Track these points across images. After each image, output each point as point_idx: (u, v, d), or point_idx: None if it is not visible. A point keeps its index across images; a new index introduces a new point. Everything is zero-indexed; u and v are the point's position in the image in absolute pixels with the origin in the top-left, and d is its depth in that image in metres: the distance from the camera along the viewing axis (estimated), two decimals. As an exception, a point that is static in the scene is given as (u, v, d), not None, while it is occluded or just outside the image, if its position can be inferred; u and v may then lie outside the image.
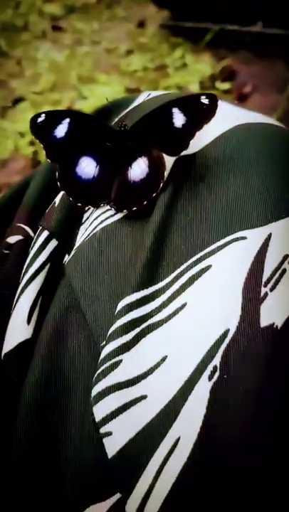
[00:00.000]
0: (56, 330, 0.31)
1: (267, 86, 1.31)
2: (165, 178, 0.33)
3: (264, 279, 0.29)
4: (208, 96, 0.34)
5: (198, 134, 0.33)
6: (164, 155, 0.34)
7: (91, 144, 0.36)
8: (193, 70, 1.37)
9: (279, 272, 0.30)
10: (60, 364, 0.30)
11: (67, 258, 0.34)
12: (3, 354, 0.32)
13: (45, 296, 0.33)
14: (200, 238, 0.31)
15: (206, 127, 0.34)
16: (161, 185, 0.33)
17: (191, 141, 0.33)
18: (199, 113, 0.34)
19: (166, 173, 0.34)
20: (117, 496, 0.26)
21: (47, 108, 1.24)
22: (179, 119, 0.34)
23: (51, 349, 0.30)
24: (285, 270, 0.30)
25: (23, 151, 1.12)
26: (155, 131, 0.35)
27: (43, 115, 0.36)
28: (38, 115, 0.36)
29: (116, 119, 0.42)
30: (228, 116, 0.38)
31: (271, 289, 0.29)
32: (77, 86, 1.32)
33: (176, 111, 0.34)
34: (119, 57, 1.44)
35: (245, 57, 1.38)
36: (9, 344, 0.32)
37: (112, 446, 0.26)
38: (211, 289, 0.29)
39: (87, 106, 1.24)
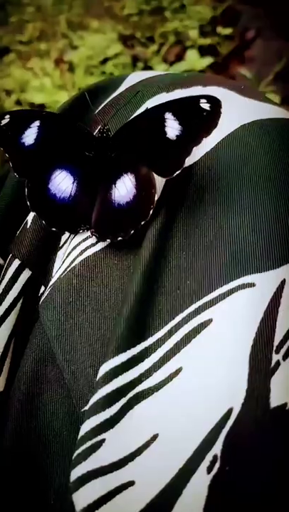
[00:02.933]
0: (29, 388, 0.27)
1: (272, 30, 1.21)
2: (156, 201, 0.28)
3: (276, 343, 0.24)
4: (209, 100, 0.27)
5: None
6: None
7: (67, 153, 0.30)
8: (193, 12, 1.26)
9: None
10: (35, 428, 0.26)
11: (43, 290, 0.30)
12: None
13: (18, 338, 0.29)
14: (198, 282, 0.26)
15: None
16: (152, 211, 0.28)
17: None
18: (198, 122, 0.28)
19: (157, 194, 0.28)
20: None
21: (36, 60, 1.16)
22: (172, 128, 0.28)
23: (24, 410, 0.27)
24: None
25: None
26: (144, 143, 0.29)
27: (7, 117, 0.30)
28: (1, 116, 0.30)
29: (101, 106, 0.36)
30: (231, 113, 0.32)
31: (284, 357, 0.24)
32: (67, 34, 1.22)
33: (169, 117, 0.28)
34: (112, -1, 1.33)
35: (248, -3, 1.27)
36: None
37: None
38: (211, 352, 0.24)
39: (79, 57, 1.15)
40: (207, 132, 0.28)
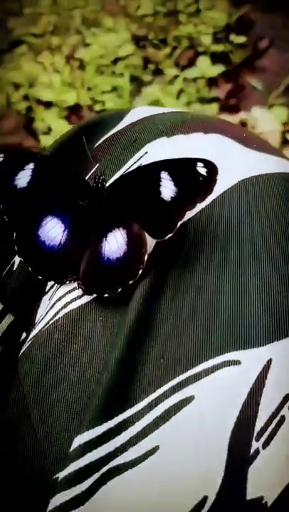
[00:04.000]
0: (4, 445, 0.26)
1: (286, 41, 1.21)
2: (145, 261, 0.27)
3: (257, 429, 0.24)
4: (206, 164, 0.27)
5: None
6: None
7: (59, 200, 0.30)
8: (207, 17, 1.25)
9: (276, 420, 0.24)
10: (6, 486, 0.25)
11: (24, 337, 0.29)
12: None
13: None
14: (184, 352, 0.25)
15: None
16: (141, 271, 0.27)
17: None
18: (193, 186, 0.27)
19: (148, 252, 0.28)
20: None
21: (47, 55, 1.15)
22: (167, 188, 0.27)
23: None
24: (283, 418, 0.24)
25: (16, 106, 1.05)
26: (138, 200, 0.28)
27: (1, 156, 0.29)
28: None
29: (103, 139, 0.36)
30: (230, 167, 0.31)
31: (264, 446, 0.23)
32: (81, 30, 1.22)
33: (165, 177, 0.28)
34: (128, -3, 1.32)
35: (264, 5, 1.26)
36: None
37: None
38: (190, 434, 0.23)
39: (90, 55, 1.14)
40: (202, 198, 0.27)
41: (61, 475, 0.23)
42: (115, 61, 1.14)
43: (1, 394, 0.27)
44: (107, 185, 0.30)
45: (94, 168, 0.34)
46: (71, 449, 0.24)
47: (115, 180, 0.31)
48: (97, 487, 0.23)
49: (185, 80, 1.11)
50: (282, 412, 0.24)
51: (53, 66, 1.12)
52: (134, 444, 0.24)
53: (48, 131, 1.02)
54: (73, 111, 1.06)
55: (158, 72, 1.15)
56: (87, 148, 0.34)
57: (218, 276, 0.27)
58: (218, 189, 0.29)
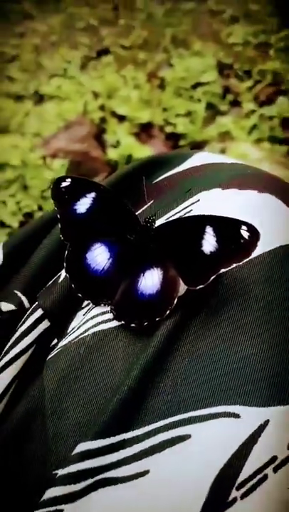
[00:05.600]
0: (16, 433, 0.29)
1: None
2: (174, 303, 0.29)
3: (239, 480, 0.25)
4: (249, 229, 0.28)
5: None
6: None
7: (111, 230, 0.32)
8: (297, 56, 1.24)
9: (259, 476, 0.25)
10: (11, 471, 0.28)
11: (55, 343, 0.32)
12: None
13: (20, 382, 0.31)
14: (190, 395, 0.27)
15: None
16: (168, 312, 0.29)
17: None
18: (233, 247, 0.29)
19: (180, 294, 0.30)
20: None
21: (130, 69, 1.18)
22: (209, 243, 0.29)
23: (5, 452, 0.29)
24: (266, 477, 0.25)
25: (90, 115, 1.08)
26: (180, 246, 0.30)
27: (69, 181, 0.33)
28: (63, 179, 0.33)
29: (162, 177, 0.39)
30: (275, 229, 0.32)
31: (242, 496, 0.25)
32: (169, 48, 1.23)
33: (209, 231, 0.29)
34: (222, 22, 1.32)
35: None
36: None
37: None
38: (178, 469, 0.25)
39: (172, 75, 1.16)
40: (239, 260, 0.29)
41: (60, 472, 0.26)
42: (195, 86, 1.14)
43: (24, 388, 0.30)
44: (156, 225, 0.32)
45: (148, 204, 0.37)
46: (73, 452, 0.26)
47: (164, 223, 0.33)
48: (88, 491, 0.25)
49: (260, 117, 1.10)
50: (266, 471, 0.25)
51: (134, 81, 1.14)
52: (128, 464, 0.26)
53: (116, 144, 1.04)
54: (144, 129, 1.07)
55: (235, 103, 1.15)
56: (147, 182, 0.36)
57: (234, 334, 0.29)
58: (257, 250, 0.30)
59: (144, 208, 0.37)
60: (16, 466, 0.28)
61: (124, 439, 0.27)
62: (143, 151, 1.00)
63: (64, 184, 0.33)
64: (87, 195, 0.33)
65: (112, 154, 1.01)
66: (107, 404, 0.27)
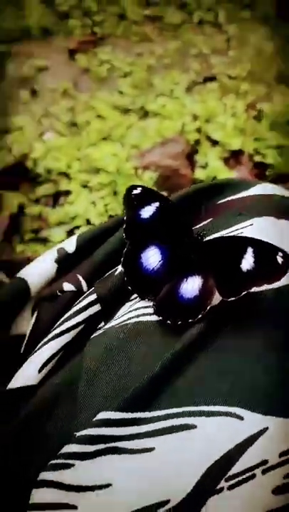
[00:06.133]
0: (52, 397, 0.33)
1: None
2: (207, 309, 0.33)
3: (230, 473, 0.28)
4: (284, 256, 0.32)
5: None
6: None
7: (166, 237, 0.37)
8: None
9: (248, 474, 0.28)
10: (40, 430, 0.32)
11: (101, 325, 0.36)
12: (7, 388, 0.35)
13: (66, 353, 0.36)
14: (204, 391, 0.31)
15: None
16: (200, 316, 0.33)
17: None
18: (267, 269, 0.32)
19: (214, 303, 0.33)
20: None
21: (231, 96, 1.25)
22: (247, 262, 0.33)
23: (38, 413, 0.33)
24: (254, 476, 0.28)
25: (186, 135, 1.16)
26: (222, 260, 0.34)
27: (140, 189, 0.38)
28: (135, 187, 0.38)
29: (223, 200, 0.43)
30: None
31: (229, 488, 0.28)
32: (273, 83, 1.29)
33: (250, 252, 0.33)
34: None
35: None
36: (15, 382, 0.35)
37: None
38: (181, 451, 0.29)
39: (271, 109, 1.21)
40: (269, 282, 0.32)
41: (79, 433, 0.30)
42: (290, 122, 1.19)
43: (67, 359, 0.35)
44: (205, 239, 0.37)
45: (206, 222, 0.41)
46: (94, 419, 0.30)
47: (212, 239, 0.37)
48: (99, 454, 0.29)
49: None
50: (255, 471, 0.28)
51: (232, 109, 1.21)
52: (138, 439, 0.30)
53: (205, 165, 1.11)
54: (234, 155, 1.14)
55: None
56: (208, 203, 0.42)
57: (252, 350, 0.32)
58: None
59: (201, 224, 0.41)
60: (44, 425, 0.32)
61: (140, 418, 0.30)
62: (228, 176, 1.07)
63: (135, 192, 0.38)
64: (152, 204, 0.38)
65: (200, 174, 1.09)
66: (133, 383, 0.31)
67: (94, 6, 1.39)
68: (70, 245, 0.43)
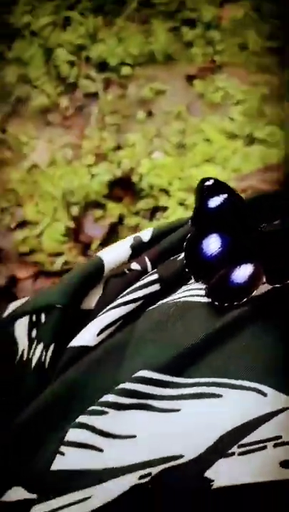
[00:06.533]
0: (102, 355, 0.37)
1: None
2: (252, 295, 0.35)
3: (242, 441, 0.30)
4: None
5: None
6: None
7: (229, 226, 0.39)
8: None
9: (259, 445, 0.30)
10: (86, 382, 0.36)
11: (159, 303, 0.39)
12: (68, 346, 0.38)
13: (124, 323, 0.39)
14: (236, 367, 0.32)
15: None
16: (245, 299, 0.35)
17: None
18: None
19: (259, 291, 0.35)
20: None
21: None
22: None
23: (86, 369, 0.36)
24: (265, 447, 0.30)
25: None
26: (275, 251, 0.36)
27: (212, 181, 0.40)
28: (208, 179, 0.40)
29: None
30: None
31: (239, 454, 0.30)
32: None
33: None
34: None
35: None
36: (75, 342, 0.38)
37: (60, 465, 0.32)
38: (204, 415, 0.31)
39: None
40: None
41: (119, 386, 0.33)
42: None
43: (124, 325, 0.38)
44: (266, 231, 0.38)
45: (277, 222, 0.42)
46: (135, 375, 0.33)
47: (271, 231, 0.38)
48: (130, 407, 0.32)
49: None
50: (267, 444, 0.30)
51: None
52: (168, 400, 0.32)
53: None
54: None
55: None
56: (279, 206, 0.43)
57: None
58: None
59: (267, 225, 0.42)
60: (90, 379, 0.36)
61: (174, 382, 0.32)
62: None
63: (207, 183, 0.39)
64: (221, 195, 0.39)
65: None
66: (174, 350, 0.34)
67: (217, 35, 1.46)
68: (146, 235, 0.45)
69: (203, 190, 0.40)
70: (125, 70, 1.38)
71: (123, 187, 1.20)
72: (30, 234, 1.21)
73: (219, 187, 0.40)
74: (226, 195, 0.39)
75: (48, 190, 1.20)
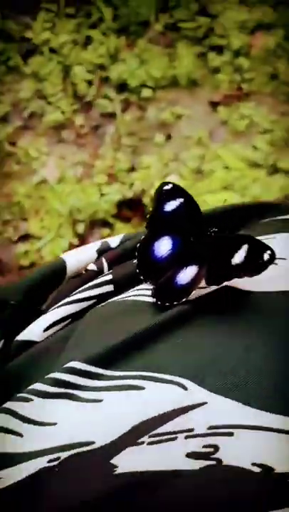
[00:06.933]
0: (43, 349, 0.37)
1: None
2: (189, 296, 0.35)
3: (155, 432, 0.30)
4: (271, 254, 0.33)
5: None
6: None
7: (181, 229, 0.39)
8: None
9: (171, 436, 0.30)
10: (25, 373, 0.36)
11: (108, 301, 0.40)
12: (15, 339, 0.39)
13: (73, 320, 0.39)
14: (163, 361, 0.32)
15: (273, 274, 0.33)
16: (184, 300, 0.35)
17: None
18: (252, 264, 0.33)
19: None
20: None
21: None
22: (239, 257, 0.34)
23: (26, 361, 0.37)
24: (175, 438, 0.30)
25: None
26: (219, 254, 0.36)
27: (170, 186, 0.40)
28: (167, 184, 0.40)
29: (266, 220, 0.44)
30: None
31: (149, 443, 0.30)
32: None
33: (244, 248, 0.34)
34: None
35: None
36: (22, 336, 0.39)
37: None
38: (122, 405, 0.31)
39: None
40: (249, 275, 0.33)
41: (49, 376, 0.33)
42: None
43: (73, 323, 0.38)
44: (214, 236, 0.38)
45: (242, 231, 0.42)
46: (64, 366, 0.33)
47: (220, 235, 0.38)
48: (55, 396, 0.32)
49: None
50: (178, 435, 0.30)
51: None
52: (93, 391, 0.32)
53: None
54: None
55: None
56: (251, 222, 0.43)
57: (220, 336, 0.33)
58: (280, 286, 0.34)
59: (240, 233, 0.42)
60: (27, 370, 0.36)
61: (102, 374, 0.32)
62: None
63: (165, 187, 0.40)
64: (177, 199, 0.39)
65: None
66: (109, 344, 0.33)
67: (246, 63, 1.40)
68: (115, 241, 0.46)
69: (161, 195, 0.40)
70: (146, 92, 1.34)
71: (133, 208, 1.14)
72: (32, 248, 1.18)
73: (177, 191, 0.40)
74: (182, 200, 0.40)
75: (54, 206, 1.15)
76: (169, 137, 1.31)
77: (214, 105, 1.36)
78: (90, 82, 1.33)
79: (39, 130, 1.28)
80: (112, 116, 1.32)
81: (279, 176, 1.21)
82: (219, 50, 1.42)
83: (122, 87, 1.34)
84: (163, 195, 0.40)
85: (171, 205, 0.40)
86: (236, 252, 0.34)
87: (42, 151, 1.25)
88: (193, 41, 1.41)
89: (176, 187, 0.40)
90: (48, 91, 1.30)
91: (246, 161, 1.25)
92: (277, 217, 0.43)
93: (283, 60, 1.41)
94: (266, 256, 0.33)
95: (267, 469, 0.29)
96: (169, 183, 0.40)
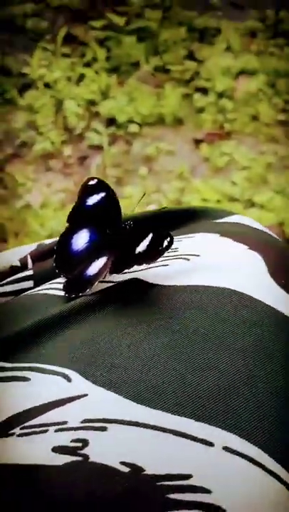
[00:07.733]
0: None
1: None
2: (93, 286, 0.35)
3: (29, 423, 0.29)
4: (169, 241, 0.33)
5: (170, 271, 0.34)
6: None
7: (100, 225, 0.39)
8: None
9: (43, 428, 0.28)
10: None
11: (21, 295, 0.39)
12: None
13: None
14: (55, 353, 0.32)
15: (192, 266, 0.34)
16: (88, 291, 0.35)
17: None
18: (152, 251, 0.33)
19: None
20: None
21: None
22: (143, 245, 0.34)
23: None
24: (46, 431, 0.28)
25: (286, 229, 1.14)
26: (127, 245, 0.35)
27: (95, 181, 0.40)
28: (92, 179, 0.40)
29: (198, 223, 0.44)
30: (226, 272, 0.35)
31: (19, 435, 0.29)
32: None
33: (149, 237, 0.34)
34: None
35: None
36: None
37: None
38: (5, 396, 0.30)
39: None
40: (148, 262, 0.33)
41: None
42: None
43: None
44: (127, 228, 0.38)
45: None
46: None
47: (134, 227, 0.38)
48: None
49: None
50: (49, 428, 0.28)
51: None
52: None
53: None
54: None
55: None
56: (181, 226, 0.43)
57: (120, 328, 0.32)
58: (211, 281, 0.34)
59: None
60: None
61: (2, 366, 0.31)
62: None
63: (90, 182, 0.40)
64: (99, 194, 0.39)
65: None
66: (12, 334, 0.33)
67: (229, 105, 1.49)
68: (50, 241, 0.44)
69: (85, 189, 0.40)
70: (133, 128, 1.42)
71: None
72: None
73: (100, 186, 0.40)
74: (103, 194, 0.40)
75: (35, 229, 1.20)
76: (151, 171, 1.38)
77: (197, 142, 1.44)
78: (80, 116, 1.41)
79: (28, 158, 1.35)
80: (99, 148, 1.40)
81: (255, 209, 1.27)
82: (204, 91, 1.51)
83: (110, 121, 1.42)
84: (87, 189, 0.40)
85: (93, 200, 0.39)
86: (141, 240, 0.34)
87: (29, 178, 1.32)
88: (181, 83, 1.50)
89: (100, 182, 0.40)
90: (40, 122, 1.38)
91: (224, 195, 1.31)
92: (211, 221, 0.43)
93: (264, 103, 1.49)
94: (165, 243, 0.33)
95: (136, 469, 0.26)
96: (95, 178, 0.40)
